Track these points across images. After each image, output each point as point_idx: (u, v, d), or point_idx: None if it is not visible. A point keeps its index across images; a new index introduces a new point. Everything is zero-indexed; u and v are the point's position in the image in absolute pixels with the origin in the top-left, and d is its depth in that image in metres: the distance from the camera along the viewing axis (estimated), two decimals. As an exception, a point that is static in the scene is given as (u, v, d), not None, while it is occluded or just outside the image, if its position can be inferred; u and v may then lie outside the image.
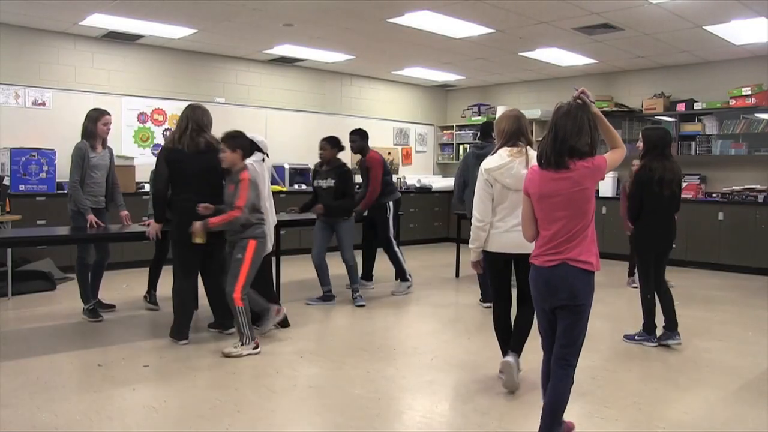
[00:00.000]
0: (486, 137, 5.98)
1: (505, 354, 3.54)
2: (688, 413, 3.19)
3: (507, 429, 2.99)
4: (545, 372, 2.70)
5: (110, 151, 5.08)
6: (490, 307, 5.80)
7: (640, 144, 4.55)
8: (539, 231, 2.63)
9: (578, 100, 2.61)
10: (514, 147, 3.43)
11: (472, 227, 3.49)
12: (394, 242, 6.19)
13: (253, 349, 4.06)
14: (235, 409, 3.16)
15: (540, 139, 2.76)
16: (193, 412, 3.13)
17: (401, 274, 6.25)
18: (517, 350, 3.52)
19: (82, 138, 4.87)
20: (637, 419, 3.12)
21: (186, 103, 4.60)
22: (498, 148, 3.48)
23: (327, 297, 5.76)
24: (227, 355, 3.98)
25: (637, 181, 4.44)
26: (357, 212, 6.00)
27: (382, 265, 6.54)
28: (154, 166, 4.61)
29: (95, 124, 4.86)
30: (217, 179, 4.26)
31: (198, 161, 4.22)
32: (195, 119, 4.31)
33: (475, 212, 3.45)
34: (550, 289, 2.57)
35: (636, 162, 5.11)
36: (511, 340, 3.55)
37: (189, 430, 2.91)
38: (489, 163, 3.44)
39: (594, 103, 2.66)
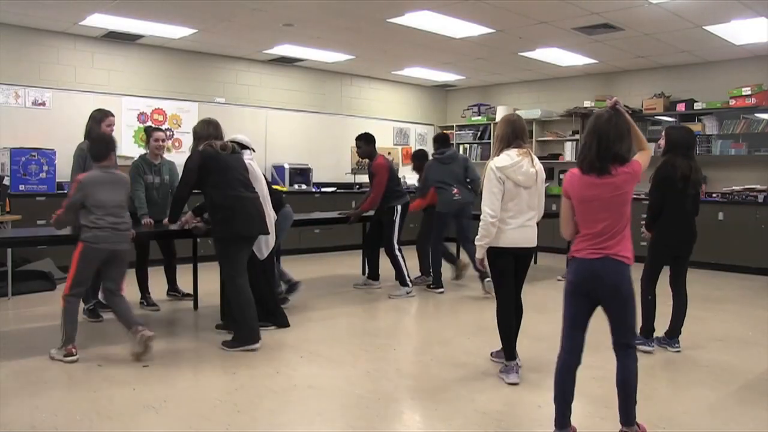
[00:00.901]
0: (443, 145, 6.57)
1: (513, 357, 3.66)
2: (688, 413, 3.19)
3: (507, 429, 2.99)
4: (563, 368, 2.78)
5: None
6: (442, 292, 6.34)
7: (661, 142, 4.32)
8: (579, 230, 2.76)
9: (614, 109, 2.74)
10: (519, 148, 3.59)
11: (482, 223, 3.54)
12: (397, 246, 6.16)
13: (65, 356, 3.82)
14: (235, 409, 3.16)
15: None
16: (193, 412, 3.13)
17: (401, 278, 6.21)
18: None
19: (85, 138, 4.87)
20: (637, 419, 3.12)
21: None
22: (500, 151, 3.61)
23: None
24: (51, 357, 3.85)
25: (659, 177, 4.19)
26: (354, 215, 6.24)
27: (389, 264, 6.54)
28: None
29: (99, 125, 4.86)
30: (247, 175, 4.40)
31: (233, 161, 4.32)
32: (213, 125, 4.43)
33: (487, 208, 3.53)
34: (595, 278, 2.71)
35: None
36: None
37: (189, 430, 2.91)
38: (500, 162, 3.54)
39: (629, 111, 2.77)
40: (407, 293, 6.14)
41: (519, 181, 3.53)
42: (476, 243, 3.61)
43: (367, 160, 6.33)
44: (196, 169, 4.19)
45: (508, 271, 3.66)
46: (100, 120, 4.88)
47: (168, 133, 8.28)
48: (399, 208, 6.15)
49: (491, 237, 3.54)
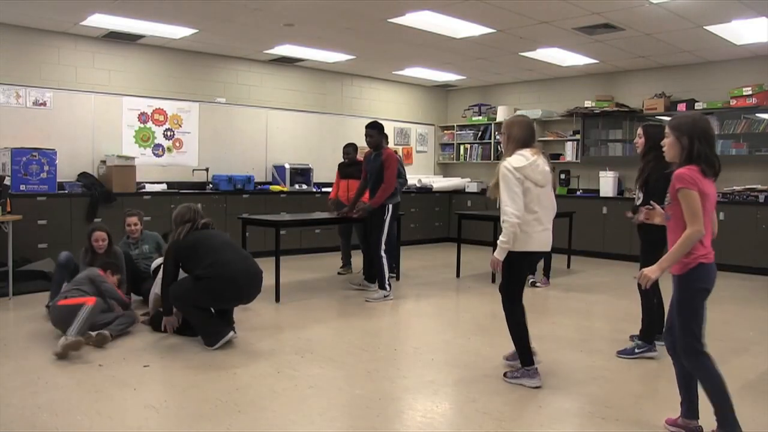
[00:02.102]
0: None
1: (532, 362, 3.61)
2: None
3: (507, 429, 2.99)
4: (715, 365, 2.88)
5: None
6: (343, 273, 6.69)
7: (639, 141, 4.30)
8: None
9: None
10: (532, 148, 3.57)
11: (507, 224, 3.43)
12: (383, 247, 5.96)
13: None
14: (235, 409, 3.16)
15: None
16: (193, 412, 3.13)
17: (381, 281, 5.98)
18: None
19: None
20: (637, 419, 3.13)
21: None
22: (513, 152, 3.56)
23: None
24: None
25: (663, 175, 3.96)
26: (365, 209, 6.00)
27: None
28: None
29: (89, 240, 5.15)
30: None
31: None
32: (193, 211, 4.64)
33: (511, 209, 3.42)
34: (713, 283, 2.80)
35: None
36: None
37: (189, 430, 2.91)
38: (517, 162, 3.48)
39: None
40: (385, 297, 5.92)
41: (537, 181, 3.50)
42: (501, 245, 3.48)
43: (371, 151, 6.18)
44: (172, 261, 4.40)
45: (526, 274, 3.67)
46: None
47: (168, 133, 8.32)
48: (390, 207, 5.99)
49: (516, 239, 3.46)
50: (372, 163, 6.13)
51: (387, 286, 5.98)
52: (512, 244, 3.46)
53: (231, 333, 4.32)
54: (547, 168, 3.59)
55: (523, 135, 3.59)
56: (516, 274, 3.61)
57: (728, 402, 2.76)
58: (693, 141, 2.72)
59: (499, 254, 3.51)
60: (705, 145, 2.71)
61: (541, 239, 3.57)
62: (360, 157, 6.91)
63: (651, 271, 2.75)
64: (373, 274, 6.29)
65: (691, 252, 2.72)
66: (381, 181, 5.94)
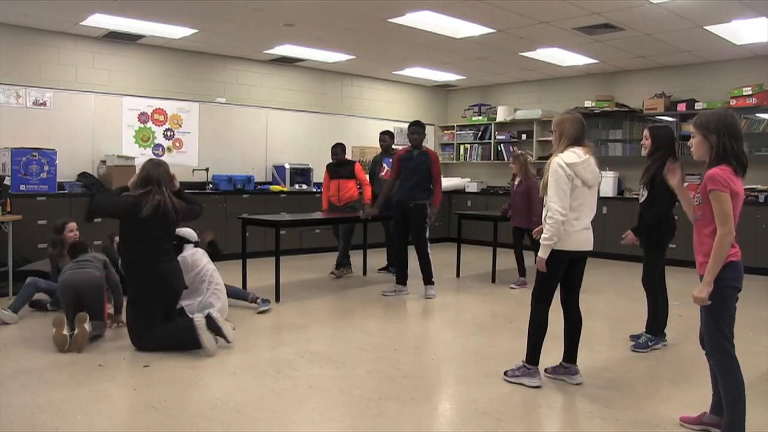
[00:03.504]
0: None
1: (537, 362, 3.57)
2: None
3: (507, 429, 2.99)
4: (739, 369, 2.82)
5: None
6: (339, 276, 6.80)
7: (647, 142, 4.34)
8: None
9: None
10: (584, 146, 3.49)
11: (552, 221, 3.35)
12: (427, 245, 6.09)
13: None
14: (235, 409, 3.16)
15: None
16: (193, 412, 3.13)
17: (430, 276, 6.10)
18: (575, 359, 3.66)
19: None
20: (637, 419, 3.12)
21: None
22: (565, 148, 3.47)
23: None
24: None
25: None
26: (434, 216, 6.15)
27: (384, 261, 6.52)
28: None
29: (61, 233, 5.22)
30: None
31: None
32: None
33: (557, 206, 3.35)
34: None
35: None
36: (567, 349, 3.66)
37: (189, 430, 2.91)
38: (569, 158, 3.40)
39: None
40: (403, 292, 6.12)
41: (587, 180, 3.41)
42: (543, 242, 3.41)
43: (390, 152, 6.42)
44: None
45: (560, 275, 3.53)
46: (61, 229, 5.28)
47: (168, 133, 8.32)
48: (429, 204, 6.08)
49: (559, 236, 3.38)
50: (414, 161, 6.07)
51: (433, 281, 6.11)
52: (554, 241, 3.38)
53: (200, 317, 4.10)
54: (597, 169, 3.52)
55: (575, 132, 3.48)
56: (548, 273, 3.47)
57: (742, 409, 2.75)
58: (721, 138, 2.68)
59: (543, 252, 3.42)
60: (734, 141, 2.69)
61: (579, 239, 3.47)
62: (352, 156, 6.96)
63: (701, 291, 2.67)
64: (405, 277, 6.22)
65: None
66: (426, 180, 6.06)
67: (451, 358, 4.17)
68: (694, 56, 8.20)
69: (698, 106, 8.37)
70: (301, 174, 9.20)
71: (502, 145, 10.71)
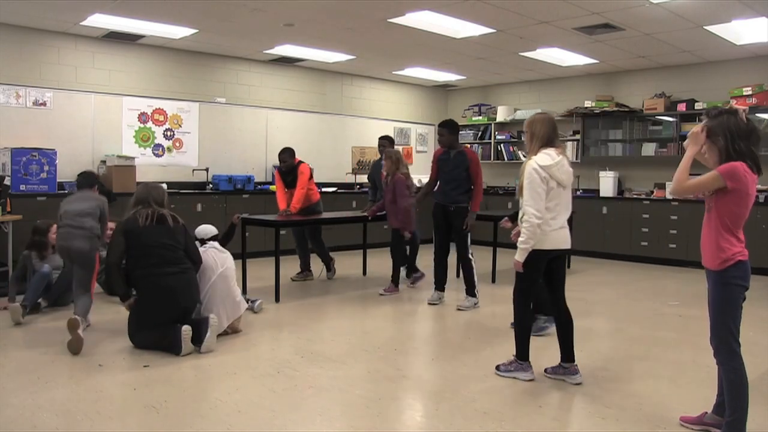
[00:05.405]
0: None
1: (527, 357, 3.62)
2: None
3: (507, 429, 2.99)
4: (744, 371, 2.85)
5: None
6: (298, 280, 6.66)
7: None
8: (734, 228, 2.81)
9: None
10: (556, 147, 3.53)
11: (528, 225, 3.41)
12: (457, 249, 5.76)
13: None
14: (235, 409, 3.16)
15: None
16: (193, 412, 3.13)
17: (471, 287, 5.71)
18: (573, 358, 3.66)
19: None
20: (637, 419, 3.12)
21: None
22: (538, 150, 3.50)
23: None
24: None
25: None
26: (472, 223, 5.73)
27: (384, 262, 6.52)
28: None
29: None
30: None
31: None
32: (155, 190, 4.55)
33: (533, 209, 3.40)
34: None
35: None
36: (563, 349, 3.65)
37: (189, 430, 2.91)
38: (543, 161, 3.44)
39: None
40: (475, 305, 5.65)
41: (561, 181, 3.47)
42: (521, 246, 3.45)
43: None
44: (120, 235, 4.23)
45: (541, 273, 3.60)
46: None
47: (168, 133, 8.32)
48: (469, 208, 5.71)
49: (537, 239, 3.43)
50: (451, 161, 5.75)
51: (476, 293, 5.70)
52: (531, 244, 3.42)
53: (185, 328, 4.05)
54: (571, 169, 3.57)
55: (547, 132, 3.53)
56: (527, 272, 3.52)
57: (744, 410, 2.76)
58: (728, 140, 2.68)
59: (520, 256, 3.47)
60: (742, 141, 2.67)
61: (557, 237, 3.51)
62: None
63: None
64: (444, 284, 5.95)
65: (729, 249, 2.77)
66: (465, 181, 5.75)
67: (450, 358, 4.17)
68: (694, 56, 8.20)
69: (698, 106, 8.36)
70: (301, 174, 9.18)
71: (502, 145, 10.71)
